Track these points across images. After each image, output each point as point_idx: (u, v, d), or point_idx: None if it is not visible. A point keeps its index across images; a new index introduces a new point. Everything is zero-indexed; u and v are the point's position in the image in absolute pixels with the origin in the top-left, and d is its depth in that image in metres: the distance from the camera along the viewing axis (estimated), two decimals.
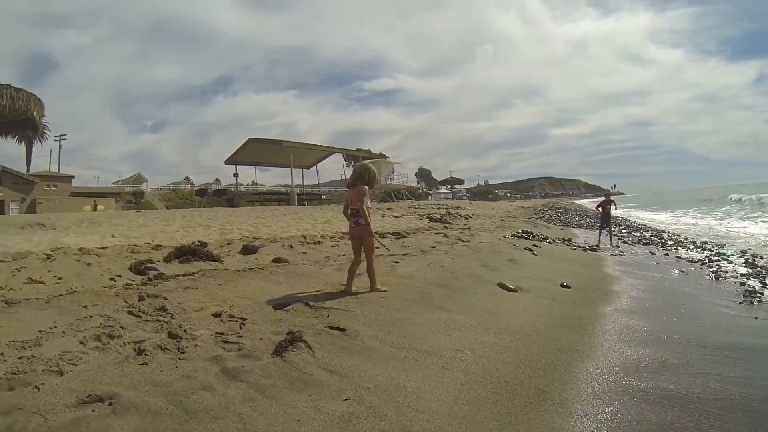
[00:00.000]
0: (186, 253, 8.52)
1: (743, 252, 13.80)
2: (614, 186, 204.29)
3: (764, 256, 12.90)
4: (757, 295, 8.23)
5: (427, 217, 21.19)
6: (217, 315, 4.91)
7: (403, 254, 9.31)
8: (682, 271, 10.30)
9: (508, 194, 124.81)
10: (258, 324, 4.64)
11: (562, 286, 7.67)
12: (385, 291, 6.05)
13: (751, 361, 4.84)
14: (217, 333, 4.33)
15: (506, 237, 13.70)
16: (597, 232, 15.94)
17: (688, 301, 7.54)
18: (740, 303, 7.59)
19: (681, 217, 33.40)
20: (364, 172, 5.98)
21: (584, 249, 13.06)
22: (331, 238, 12.34)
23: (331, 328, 4.64)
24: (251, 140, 43.51)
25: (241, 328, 4.57)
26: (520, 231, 15.27)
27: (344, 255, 8.91)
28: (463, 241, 12.18)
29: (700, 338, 5.47)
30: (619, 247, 13.58)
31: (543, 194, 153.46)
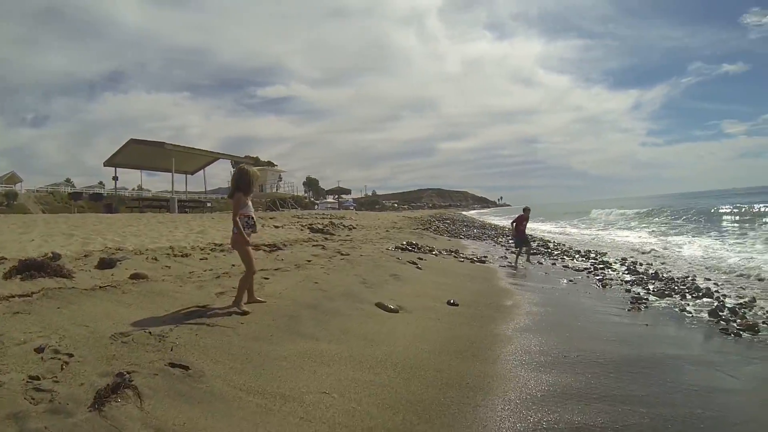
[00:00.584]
0: (31, 268, 7.06)
1: (624, 259, 14.81)
2: (501, 198, 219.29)
3: (643, 263, 13.94)
4: (643, 301, 8.86)
5: (309, 228, 20.39)
6: (39, 350, 4.17)
7: (275, 269, 8.76)
8: (571, 281, 10.69)
9: (396, 205, 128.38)
10: (85, 362, 3.96)
11: (449, 303, 7.37)
12: (246, 313, 5.64)
13: (650, 374, 4.94)
14: (30, 377, 3.64)
15: (390, 249, 13.34)
16: (486, 243, 16.12)
17: (581, 313, 7.75)
18: (629, 310, 8.06)
19: (564, 227, 36.11)
20: (239, 177, 5.75)
21: (472, 261, 13.19)
22: (201, 249, 11.15)
23: (172, 365, 4.09)
24: (132, 141, 39.87)
25: (62, 368, 3.90)
26: (404, 243, 15.04)
27: (211, 270, 8.39)
28: (342, 254, 11.55)
29: (599, 354, 5.45)
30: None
31: (431, 205, 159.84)
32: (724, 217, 28.66)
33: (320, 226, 21.37)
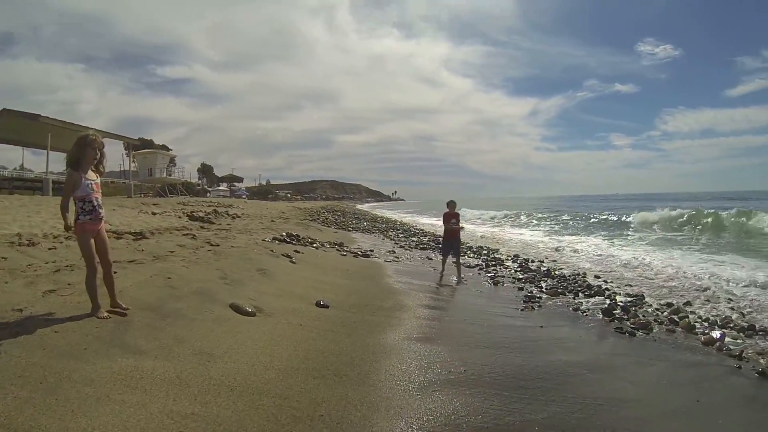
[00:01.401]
0: None
1: (516, 256, 14.53)
2: (395, 192, 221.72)
3: (535, 260, 13.66)
4: (536, 299, 8.47)
5: (188, 216, 18.51)
6: None
7: (130, 261, 7.65)
8: (462, 277, 9.87)
9: (289, 195, 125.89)
10: None
11: (318, 305, 6.30)
12: (124, 311, 4.84)
13: (549, 389, 4.33)
14: None
15: (266, 240, 12.03)
16: (375, 236, 14.94)
17: (471, 315, 7.10)
18: (522, 310, 7.62)
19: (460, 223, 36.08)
20: (72, 150, 4.65)
21: (356, 255, 12.22)
22: (55, 237, 9.33)
23: None
24: (5, 111, 34.23)
25: None
26: (284, 234, 13.75)
27: (54, 262, 7.03)
28: (211, 245, 10.10)
29: (492, 368, 4.72)
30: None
31: (324, 197, 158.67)
32: (611, 219, 29.76)
33: (202, 215, 19.66)
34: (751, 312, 8.14)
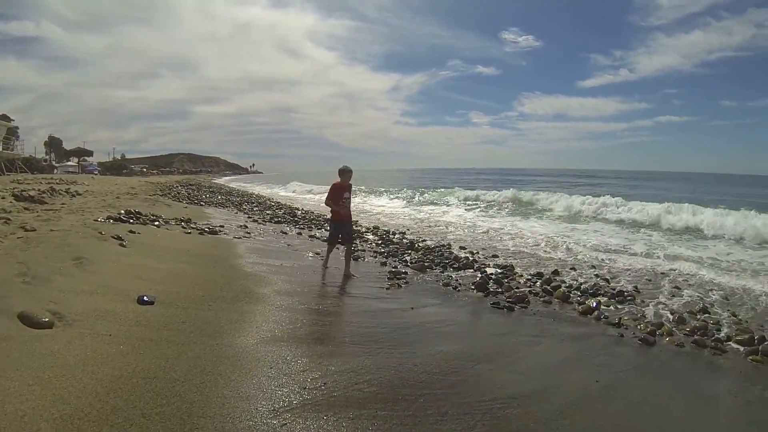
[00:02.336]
0: None
1: (376, 228, 13.94)
2: (253, 165, 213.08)
3: (396, 232, 13.14)
4: (402, 275, 7.74)
5: (15, 196, 15.29)
6: None
7: None
8: (317, 253, 9.01)
9: (145, 170, 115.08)
10: None
11: (140, 302, 4.69)
12: None
13: (437, 395, 3.42)
14: None
15: (99, 220, 10.04)
16: (229, 210, 13.10)
17: (333, 300, 6.06)
18: (387, 288, 6.86)
19: (317, 193, 34.64)
20: None
21: (202, 232, 10.41)
22: None
23: None
24: None
25: None
26: (122, 212, 11.70)
27: None
28: (27, 230, 8.04)
29: (369, 373, 3.71)
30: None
31: (182, 171, 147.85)
32: (475, 193, 29.73)
33: (33, 194, 16.38)
34: (616, 277, 8.26)
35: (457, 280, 7.59)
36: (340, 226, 7.91)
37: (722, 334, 5.44)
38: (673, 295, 7.20)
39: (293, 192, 39.17)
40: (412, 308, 5.79)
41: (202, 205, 20.70)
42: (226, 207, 20.26)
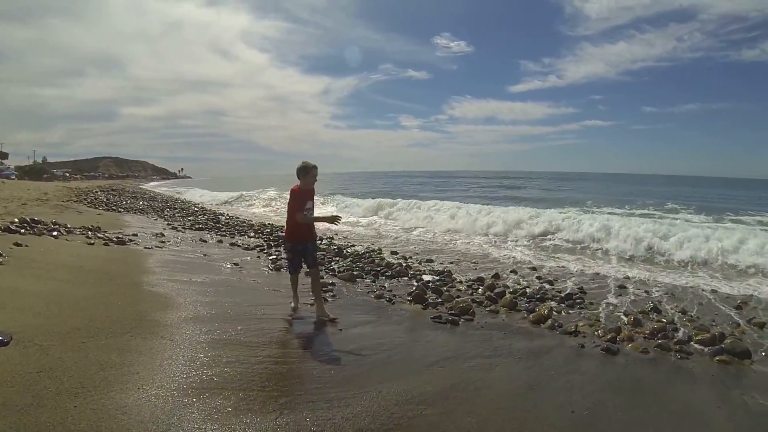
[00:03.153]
0: None
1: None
2: (182, 169, 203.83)
3: (323, 237, 12.44)
4: (329, 287, 6.84)
5: None
6: None
7: None
8: (236, 264, 7.97)
9: (68, 174, 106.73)
10: None
11: None
12: None
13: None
14: None
15: None
16: (149, 216, 11.37)
17: (259, 326, 4.91)
18: (312, 304, 5.46)
19: (248, 199, 32.70)
20: None
21: (108, 243, 8.82)
22: None
23: None
24: None
25: None
26: (15, 220, 10.04)
27: None
28: None
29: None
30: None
31: (107, 175, 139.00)
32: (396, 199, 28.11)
33: None
34: (557, 279, 7.76)
35: (390, 290, 6.71)
36: (302, 248, 5.41)
37: (681, 334, 5.09)
38: (620, 295, 6.81)
39: (224, 198, 37.04)
40: (341, 330, 4.87)
41: (120, 211, 18.81)
42: (147, 213, 18.50)
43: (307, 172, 5.24)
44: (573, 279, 7.88)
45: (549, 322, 5.39)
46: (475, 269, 8.68)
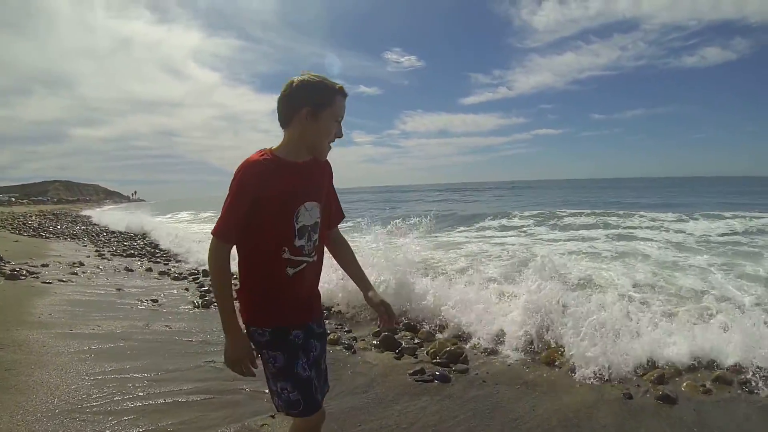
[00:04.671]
0: None
1: None
2: (135, 192, 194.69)
3: None
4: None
5: None
6: None
7: None
8: (154, 301, 6.08)
9: (13, 199, 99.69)
10: None
11: None
12: None
13: None
14: None
15: None
16: (80, 242, 9.27)
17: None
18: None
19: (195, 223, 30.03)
20: None
21: None
22: None
23: None
24: None
25: None
26: None
27: None
28: None
29: None
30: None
31: (57, 200, 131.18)
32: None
33: None
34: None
35: (349, 330, 5.02)
36: (303, 339, 1.74)
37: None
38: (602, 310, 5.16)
39: (177, 219, 34.16)
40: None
41: (49, 237, 16.34)
42: (79, 239, 16.09)
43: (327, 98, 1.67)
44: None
45: (565, 357, 3.88)
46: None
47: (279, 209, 1.63)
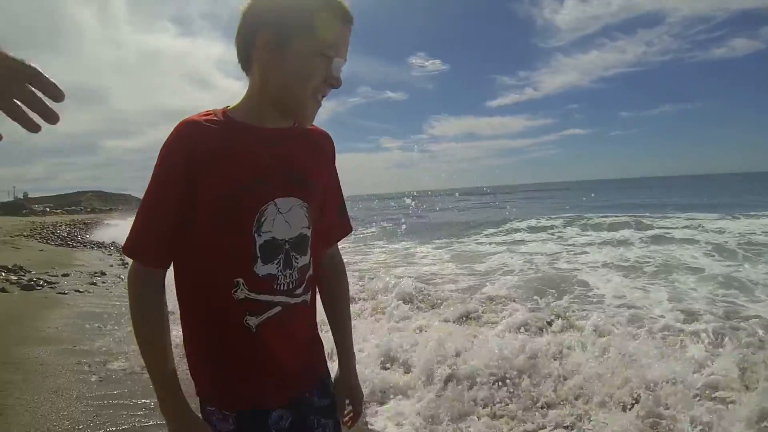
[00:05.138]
0: None
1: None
2: None
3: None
4: None
5: None
6: None
7: None
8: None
9: (48, 209, 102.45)
10: None
11: None
12: None
13: None
14: None
15: None
16: (103, 251, 8.84)
17: None
18: None
19: None
20: None
21: (3, 289, 6.51)
22: None
23: None
24: None
25: None
26: None
27: None
28: None
29: None
30: None
31: (90, 209, 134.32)
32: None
33: None
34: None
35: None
36: (297, 425, 1.07)
37: None
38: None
39: None
40: None
41: (76, 246, 16.37)
42: (106, 247, 16.08)
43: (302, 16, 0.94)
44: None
45: None
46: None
47: (227, 208, 0.95)
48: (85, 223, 37.36)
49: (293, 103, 0.98)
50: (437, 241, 13.37)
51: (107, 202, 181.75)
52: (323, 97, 1.00)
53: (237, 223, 0.96)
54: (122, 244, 1.03)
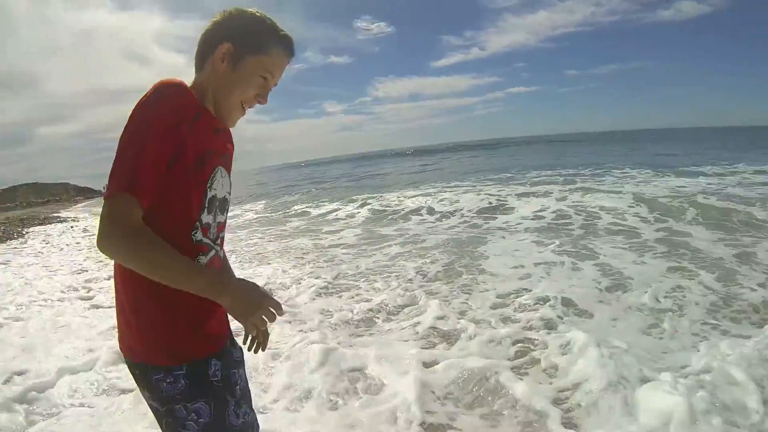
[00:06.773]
0: None
1: None
2: (106, 186, 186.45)
3: None
4: None
5: None
6: None
7: None
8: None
9: None
10: None
11: None
12: None
13: None
14: None
15: None
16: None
17: None
18: None
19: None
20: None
21: None
22: None
23: None
24: None
25: None
26: None
27: None
28: None
29: None
30: None
31: (26, 204, 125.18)
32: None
33: None
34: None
35: None
36: (225, 373, 1.17)
37: None
38: None
39: None
40: None
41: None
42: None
43: (261, 41, 1.19)
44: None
45: None
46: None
47: (199, 164, 1.10)
48: (21, 219, 34.73)
49: (226, 106, 1.19)
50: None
51: (43, 193, 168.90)
52: (249, 107, 1.24)
53: (201, 177, 1.12)
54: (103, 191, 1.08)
